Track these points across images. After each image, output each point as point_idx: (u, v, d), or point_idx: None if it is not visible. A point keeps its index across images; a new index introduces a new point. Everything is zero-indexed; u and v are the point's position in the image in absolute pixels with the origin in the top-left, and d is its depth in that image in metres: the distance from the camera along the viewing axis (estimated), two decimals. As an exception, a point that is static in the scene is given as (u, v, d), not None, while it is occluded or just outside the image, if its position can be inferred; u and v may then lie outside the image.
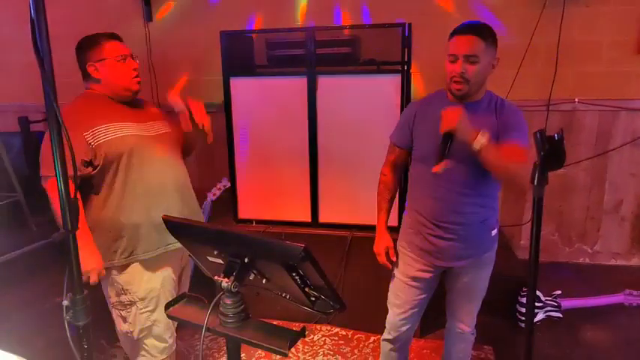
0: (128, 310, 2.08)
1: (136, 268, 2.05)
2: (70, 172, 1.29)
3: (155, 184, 2.04)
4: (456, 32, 1.90)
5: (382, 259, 2.19)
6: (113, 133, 1.96)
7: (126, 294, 2.07)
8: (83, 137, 1.89)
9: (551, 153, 1.22)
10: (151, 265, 2.08)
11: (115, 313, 2.13)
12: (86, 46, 2.02)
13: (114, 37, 2.06)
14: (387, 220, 2.21)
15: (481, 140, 1.74)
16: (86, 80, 2.06)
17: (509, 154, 1.82)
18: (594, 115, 3.74)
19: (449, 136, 1.80)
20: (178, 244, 2.05)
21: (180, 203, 2.12)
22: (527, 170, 1.88)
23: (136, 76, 2.07)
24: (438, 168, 1.81)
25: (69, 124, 1.27)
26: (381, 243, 2.19)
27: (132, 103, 2.12)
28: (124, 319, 2.10)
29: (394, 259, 2.18)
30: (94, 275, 1.89)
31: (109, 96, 2.05)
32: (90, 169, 1.94)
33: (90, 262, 1.87)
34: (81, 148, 1.86)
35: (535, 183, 1.26)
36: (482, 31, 1.87)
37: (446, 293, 2.24)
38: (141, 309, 2.07)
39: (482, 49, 1.86)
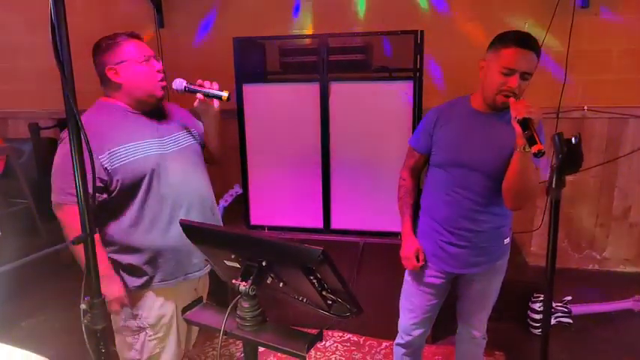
0: (136, 337, 1.94)
1: (149, 293, 1.93)
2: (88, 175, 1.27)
3: (175, 206, 1.87)
4: (516, 44, 1.78)
5: (412, 262, 2.10)
6: (132, 154, 1.78)
7: (135, 319, 1.92)
8: (98, 160, 1.71)
9: (569, 156, 1.23)
10: (165, 292, 1.95)
11: (119, 338, 1.97)
12: (104, 48, 1.81)
13: (134, 36, 1.85)
14: (412, 224, 2.17)
15: (530, 150, 1.67)
16: (105, 86, 1.87)
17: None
18: (603, 123, 3.75)
19: (526, 123, 1.67)
20: (197, 273, 1.98)
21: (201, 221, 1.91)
22: (537, 190, 1.88)
23: (162, 80, 1.86)
24: (541, 147, 1.61)
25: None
26: (409, 246, 2.11)
27: (153, 113, 1.92)
28: (130, 346, 1.95)
29: (422, 263, 2.10)
30: (115, 304, 1.79)
31: (129, 105, 1.86)
32: (105, 195, 1.79)
33: (111, 290, 1.75)
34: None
35: (553, 186, 1.27)
36: (537, 46, 1.81)
37: (457, 299, 2.24)
38: (150, 335, 1.94)
39: (536, 65, 1.82)
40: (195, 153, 2.02)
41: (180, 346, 2.05)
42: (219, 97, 1.83)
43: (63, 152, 1.73)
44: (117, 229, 1.84)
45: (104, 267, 1.71)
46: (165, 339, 1.97)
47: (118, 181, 1.77)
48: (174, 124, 1.98)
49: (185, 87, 1.85)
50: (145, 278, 1.88)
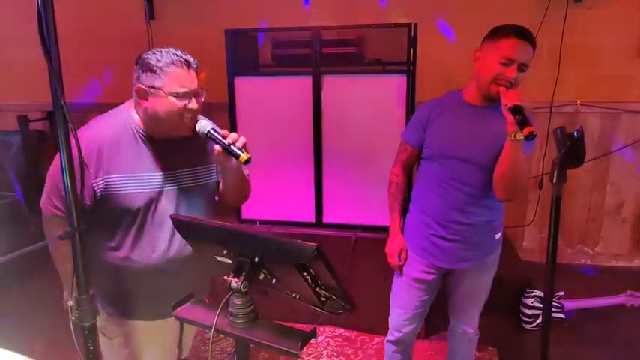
0: (110, 340, 1.79)
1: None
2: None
3: (153, 246, 1.69)
4: (515, 35, 1.81)
5: (394, 260, 2.14)
6: (125, 187, 1.62)
7: (103, 330, 1.73)
8: (90, 183, 1.58)
9: (572, 150, 1.21)
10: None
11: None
12: (144, 67, 1.59)
13: (183, 62, 1.59)
14: (400, 222, 2.17)
15: (521, 136, 1.69)
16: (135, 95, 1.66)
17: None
18: (596, 118, 3.76)
19: (518, 109, 1.68)
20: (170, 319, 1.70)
21: (181, 274, 1.73)
22: (528, 181, 1.89)
23: (191, 120, 1.62)
24: (532, 129, 1.64)
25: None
26: (395, 244, 2.14)
27: (174, 140, 1.69)
28: (105, 346, 1.79)
29: (403, 262, 2.13)
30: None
31: (148, 127, 1.66)
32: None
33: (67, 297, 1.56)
34: (82, 194, 1.50)
35: (554, 181, 1.25)
36: (533, 39, 1.84)
37: (448, 295, 2.23)
38: (122, 344, 1.80)
39: (531, 58, 1.84)
40: (203, 192, 1.80)
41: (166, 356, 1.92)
42: (237, 157, 1.56)
43: (58, 161, 1.59)
44: (94, 240, 1.66)
45: (66, 274, 1.62)
46: (141, 349, 1.83)
47: (103, 206, 1.63)
48: (195, 156, 1.77)
49: (207, 133, 1.61)
50: (109, 310, 1.75)
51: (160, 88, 1.56)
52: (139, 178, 1.64)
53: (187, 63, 1.60)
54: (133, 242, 1.69)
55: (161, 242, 1.70)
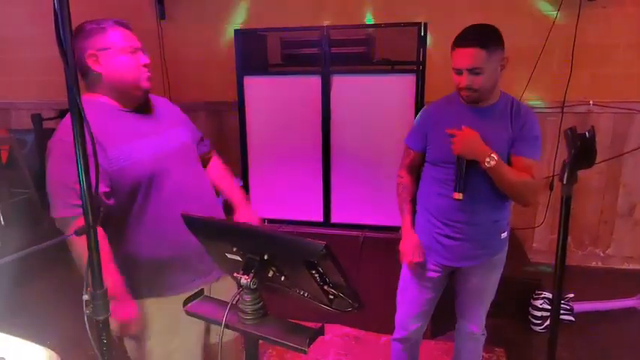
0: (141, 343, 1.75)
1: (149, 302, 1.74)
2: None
3: (176, 210, 1.57)
4: (457, 44, 1.86)
5: (409, 258, 2.09)
6: (127, 157, 1.60)
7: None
8: (100, 166, 1.47)
9: (582, 151, 1.21)
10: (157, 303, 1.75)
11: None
12: (87, 32, 1.58)
13: (122, 24, 1.65)
14: (412, 221, 2.16)
15: (490, 162, 1.82)
16: (85, 78, 1.63)
17: (517, 173, 1.88)
18: (609, 118, 3.72)
19: (462, 159, 1.89)
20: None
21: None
22: (534, 187, 1.95)
23: (147, 74, 1.67)
24: (458, 196, 1.90)
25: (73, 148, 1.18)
26: (409, 242, 2.11)
27: (144, 108, 1.72)
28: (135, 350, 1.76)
29: (421, 259, 2.09)
30: (132, 327, 1.62)
31: (115, 101, 1.64)
32: (111, 200, 1.58)
33: (125, 312, 1.59)
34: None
35: (564, 181, 1.24)
36: (481, 39, 1.82)
37: (455, 294, 2.24)
38: (155, 344, 1.76)
39: (485, 58, 1.82)
40: (191, 150, 1.84)
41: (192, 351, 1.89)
42: None
43: (54, 162, 1.57)
44: (113, 235, 1.62)
45: (118, 287, 1.56)
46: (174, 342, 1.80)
47: (116, 186, 1.59)
48: (168, 120, 1.79)
49: None
50: (143, 290, 1.72)
51: (109, 48, 1.60)
52: (134, 147, 1.62)
53: (124, 23, 1.67)
54: (157, 210, 1.67)
55: (179, 200, 1.68)
